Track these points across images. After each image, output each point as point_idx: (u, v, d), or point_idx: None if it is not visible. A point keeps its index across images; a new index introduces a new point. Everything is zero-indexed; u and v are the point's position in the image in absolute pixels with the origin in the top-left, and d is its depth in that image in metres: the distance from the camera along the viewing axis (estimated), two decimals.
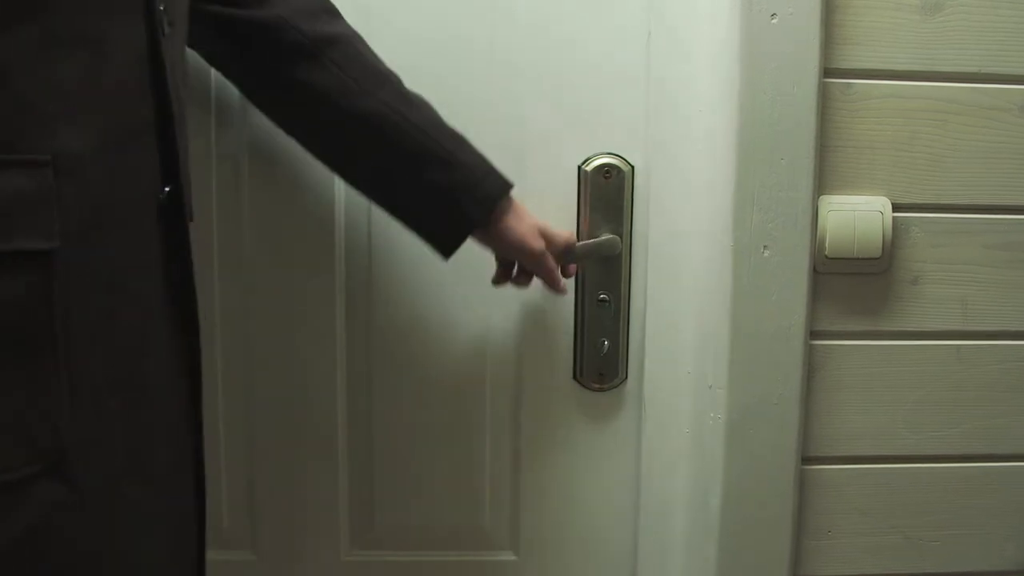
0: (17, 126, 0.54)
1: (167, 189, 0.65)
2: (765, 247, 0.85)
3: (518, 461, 0.95)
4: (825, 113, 0.84)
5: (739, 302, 0.86)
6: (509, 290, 0.88)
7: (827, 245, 0.86)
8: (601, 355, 0.92)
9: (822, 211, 0.85)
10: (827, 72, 0.84)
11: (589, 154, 0.90)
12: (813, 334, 0.88)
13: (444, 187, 0.80)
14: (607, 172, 0.90)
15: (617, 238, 0.89)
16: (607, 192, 0.90)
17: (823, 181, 0.85)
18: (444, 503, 0.96)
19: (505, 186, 0.80)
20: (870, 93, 0.85)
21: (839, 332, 0.88)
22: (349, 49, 0.82)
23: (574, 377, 0.93)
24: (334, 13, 0.83)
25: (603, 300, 0.91)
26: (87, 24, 0.57)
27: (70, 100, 0.56)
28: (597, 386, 0.94)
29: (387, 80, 0.84)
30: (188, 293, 0.68)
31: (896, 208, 0.86)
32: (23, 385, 0.54)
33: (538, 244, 0.82)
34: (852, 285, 0.87)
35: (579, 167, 0.90)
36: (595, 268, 0.91)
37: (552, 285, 0.84)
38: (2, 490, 0.52)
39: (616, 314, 0.92)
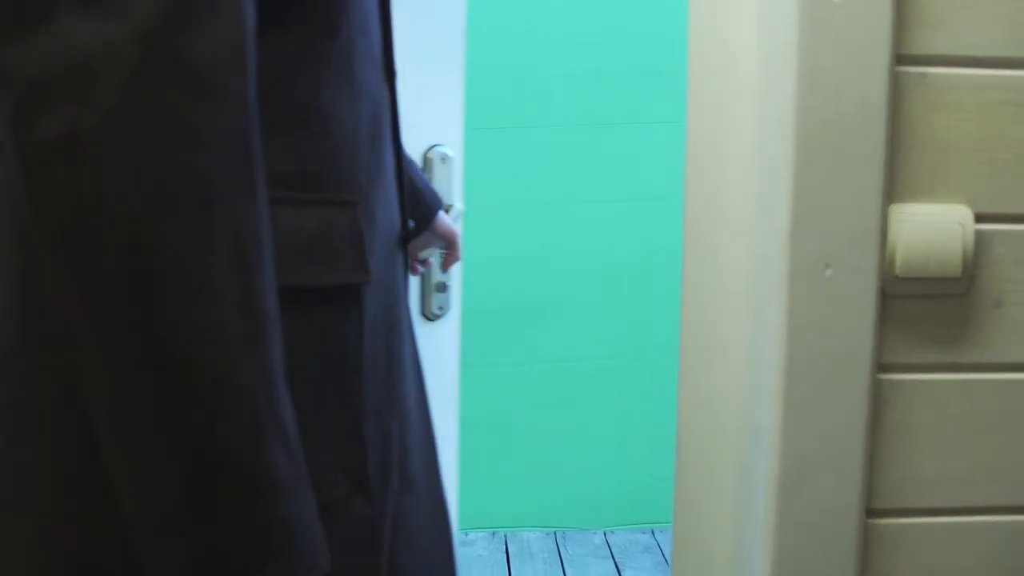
0: (336, 169, 0.64)
1: (410, 223, 0.81)
2: (827, 266, 0.73)
3: None
4: (896, 108, 0.72)
5: (796, 331, 0.73)
6: None
7: (898, 263, 0.73)
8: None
9: (892, 223, 0.73)
10: (899, 59, 0.71)
11: None
12: (880, 367, 0.75)
13: (417, 188, 0.96)
14: None
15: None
16: None
17: (893, 188, 0.73)
18: None
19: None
20: (949, 84, 0.72)
21: (910, 364, 0.76)
22: None
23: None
24: None
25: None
26: (365, 75, 0.67)
27: (363, 143, 0.66)
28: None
29: None
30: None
31: (978, 219, 0.74)
32: (338, 414, 0.63)
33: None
34: (926, 309, 0.75)
35: None
36: None
37: (456, 258, 1.26)
38: (323, 509, 0.56)
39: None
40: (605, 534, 2.82)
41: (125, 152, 0.48)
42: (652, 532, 2.83)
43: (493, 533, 2.84)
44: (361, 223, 0.65)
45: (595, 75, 2.90)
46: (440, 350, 1.34)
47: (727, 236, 0.77)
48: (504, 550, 2.74)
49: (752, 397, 0.77)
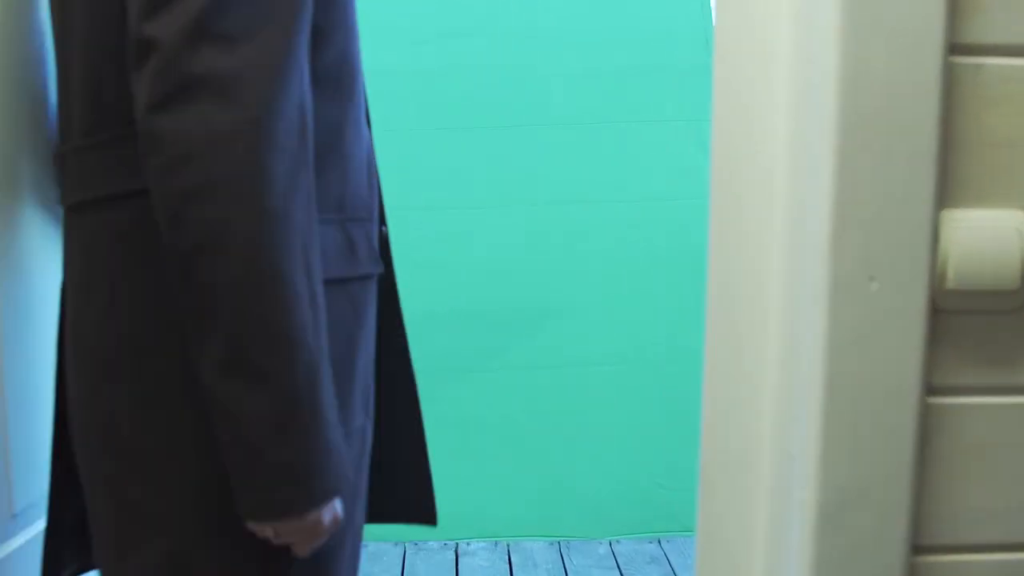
0: (354, 196, 0.92)
1: (384, 227, 1.03)
2: (872, 278, 0.65)
3: None
4: (949, 103, 0.65)
5: (836, 350, 0.66)
6: None
7: (949, 275, 0.66)
8: None
9: (944, 231, 0.66)
10: (952, 49, 0.64)
11: None
12: (930, 389, 0.68)
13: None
14: None
15: None
16: None
17: (945, 192, 0.66)
18: None
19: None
20: (1008, 76, 0.65)
21: (963, 386, 0.68)
22: None
23: None
24: None
25: None
26: (363, 125, 0.97)
27: (365, 175, 0.95)
28: None
29: None
30: (395, 303, 1.15)
31: None
32: (363, 361, 0.96)
33: None
34: (981, 325, 0.68)
35: None
36: None
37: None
38: (352, 432, 0.92)
39: None
40: (610, 543, 2.75)
41: (243, 199, 0.74)
42: (659, 541, 2.76)
43: (495, 543, 2.77)
44: (371, 232, 0.96)
45: (597, 74, 2.84)
46: None
47: (759, 246, 0.70)
48: (507, 560, 2.68)
49: (787, 422, 0.70)
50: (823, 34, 0.64)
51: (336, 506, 0.83)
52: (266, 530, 0.81)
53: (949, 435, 0.69)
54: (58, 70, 0.92)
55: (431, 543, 2.75)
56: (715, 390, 0.74)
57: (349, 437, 0.89)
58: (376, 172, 0.99)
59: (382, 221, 1.02)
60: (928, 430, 0.69)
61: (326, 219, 0.85)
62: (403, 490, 1.10)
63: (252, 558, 0.84)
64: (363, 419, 0.95)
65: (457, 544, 2.76)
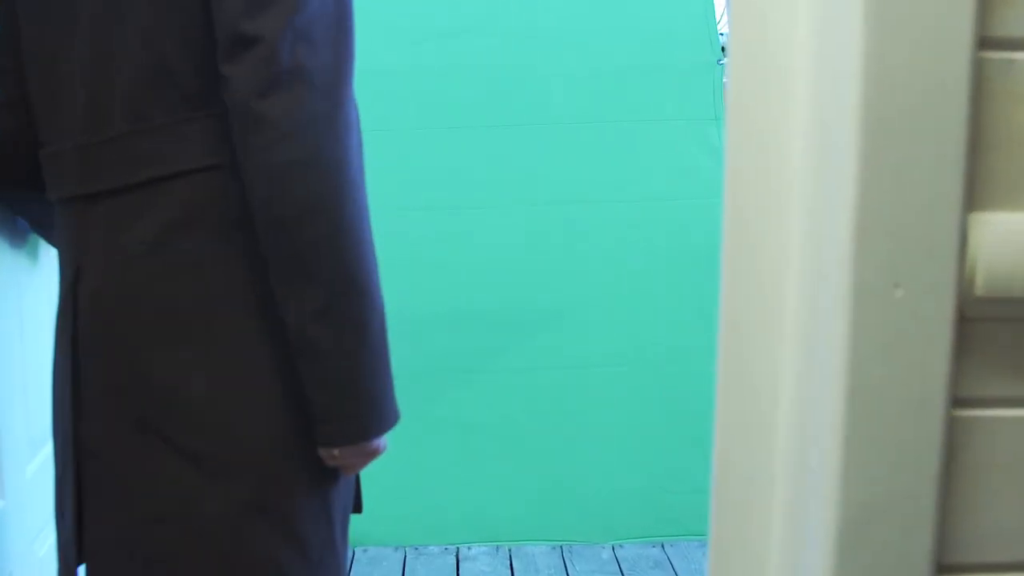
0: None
1: None
2: (896, 285, 0.62)
3: None
4: (978, 100, 0.61)
5: (859, 360, 0.63)
6: None
7: (978, 281, 0.62)
8: None
9: (973, 235, 0.62)
10: (982, 43, 0.61)
11: None
12: (956, 401, 0.65)
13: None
14: None
15: None
16: None
17: (974, 194, 0.62)
18: None
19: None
20: None
21: (991, 398, 0.65)
22: None
23: None
24: None
25: None
26: None
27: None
28: None
29: None
30: None
31: None
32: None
33: None
34: (1011, 335, 0.64)
35: None
36: None
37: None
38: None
39: None
40: (613, 548, 2.72)
41: (333, 170, 0.91)
42: (662, 546, 2.72)
43: (497, 547, 2.74)
44: None
45: (598, 73, 2.80)
46: None
47: (776, 250, 0.67)
48: (508, 565, 2.65)
49: (806, 435, 0.67)
50: (845, 28, 0.61)
51: (385, 436, 1.01)
52: (333, 454, 0.97)
53: (976, 449, 0.66)
54: (43, 72, 0.94)
55: (431, 547, 2.72)
56: (729, 400, 0.71)
57: None
58: None
59: None
60: (954, 444, 0.65)
61: None
62: None
63: (313, 492, 1.01)
64: None
65: (458, 548, 2.73)
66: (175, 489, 0.96)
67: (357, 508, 1.16)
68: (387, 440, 1.02)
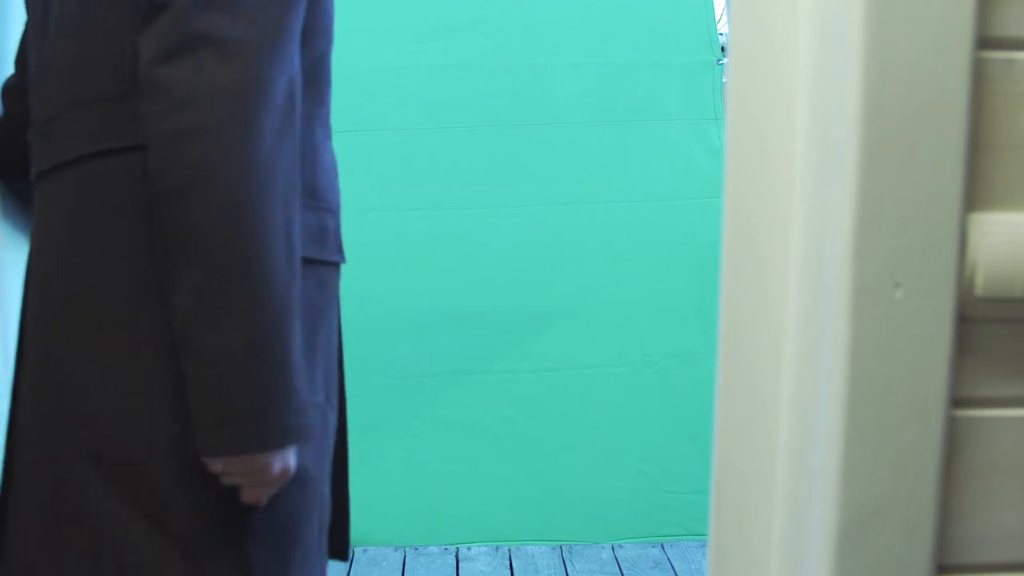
0: (325, 187, 0.98)
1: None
2: (897, 285, 0.62)
3: None
4: (978, 100, 0.61)
5: (858, 360, 0.63)
6: None
7: (979, 282, 0.62)
8: None
9: (973, 235, 0.62)
10: (982, 43, 0.61)
11: None
12: (956, 401, 0.65)
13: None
14: None
15: None
16: None
17: (974, 193, 0.62)
18: None
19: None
20: None
21: (992, 398, 0.65)
22: None
23: None
24: None
25: None
26: (329, 128, 1.01)
27: (333, 172, 1.01)
28: None
29: None
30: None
31: None
32: (325, 342, 0.98)
33: None
34: (1011, 335, 0.64)
35: None
36: None
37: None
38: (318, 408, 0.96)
39: None
40: (613, 548, 2.72)
41: (232, 143, 0.79)
42: (662, 546, 2.72)
43: (496, 547, 2.73)
44: (338, 225, 1.01)
45: (599, 73, 2.80)
46: None
47: (776, 251, 0.67)
48: (508, 565, 2.64)
49: (805, 436, 0.67)
50: (845, 28, 0.61)
51: (289, 457, 0.86)
52: (216, 465, 0.84)
53: (976, 449, 0.66)
54: (38, 45, 0.94)
55: (431, 548, 2.72)
56: (729, 401, 0.71)
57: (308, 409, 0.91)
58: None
59: None
60: (955, 444, 0.65)
61: (304, 203, 0.90)
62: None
63: (216, 510, 0.87)
64: (324, 398, 0.97)
65: (458, 549, 2.73)
66: (77, 491, 0.88)
67: (341, 555, 1.07)
68: (294, 461, 0.86)
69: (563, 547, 2.73)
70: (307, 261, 0.91)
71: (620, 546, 2.73)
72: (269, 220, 0.81)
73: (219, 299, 0.80)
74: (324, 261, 0.97)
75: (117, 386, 0.86)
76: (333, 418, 1.00)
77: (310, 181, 0.93)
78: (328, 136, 1.00)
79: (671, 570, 2.60)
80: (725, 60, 2.72)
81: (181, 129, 0.79)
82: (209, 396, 0.81)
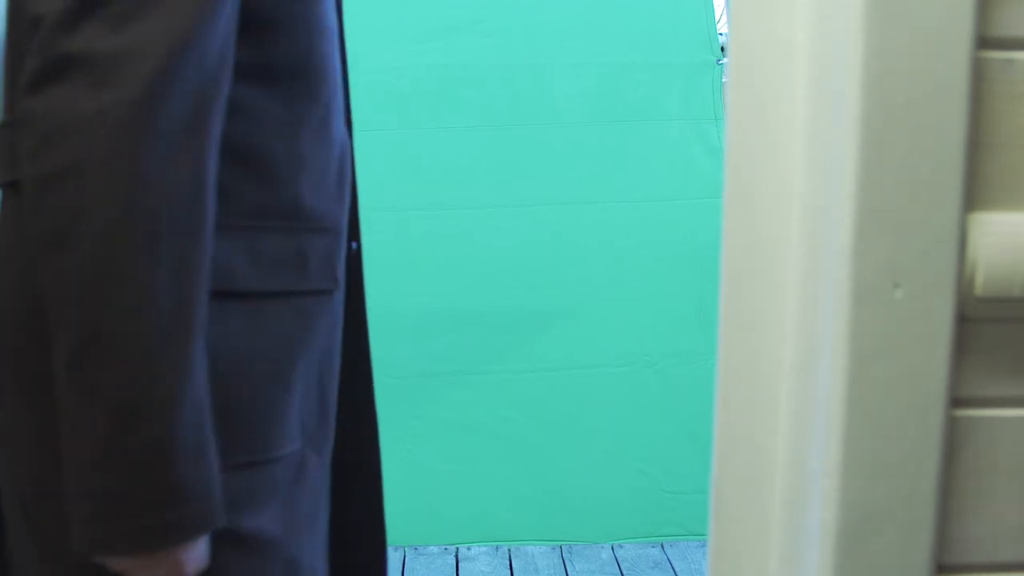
0: (313, 204, 0.83)
1: (355, 243, 0.97)
2: (896, 285, 0.62)
3: None
4: (978, 99, 0.61)
5: (858, 360, 0.63)
6: None
7: (978, 281, 0.62)
8: None
9: (972, 235, 0.62)
10: (981, 42, 0.61)
11: None
12: (956, 401, 0.65)
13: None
14: None
15: None
16: None
17: (974, 194, 0.62)
18: None
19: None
20: None
21: (992, 398, 0.65)
22: None
23: None
24: None
25: None
26: (336, 127, 0.87)
27: (333, 182, 0.87)
28: None
29: None
30: (361, 327, 0.99)
31: None
32: (305, 382, 0.84)
33: None
34: (1011, 335, 0.64)
35: None
36: None
37: None
38: (279, 460, 0.81)
39: None
40: (613, 548, 2.72)
41: (103, 187, 0.66)
42: (662, 546, 2.72)
43: (496, 547, 2.73)
44: (333, 245, 0.87)
45: (599, 73, 2.80)
46: None
47: (776, 251, 0.67)
48: (508, 565, 2.64)
49: (805, 436, 0.67)
50: (844, 27, 0.61)
51: (193, 553, 0.71)
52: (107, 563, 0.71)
53: (976, 449, 0.66)
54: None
55: (431, 548, 2.72)
56: (729, 402, 0.71)
57: (268, 465, 0.79)
58: (350, 183, 0.92)
59: (353, 236, 0.95)
60: (954, 444, 0.65)
61: (267, 226, 0.79)
62: (348, 552, 0.94)
63: None
64: (300, 446, 0.84)
65: (457, 549, 2.73)
66: (15, 540, 0.81)
67: None
68: (193, 561, 0.72)
69: (563, 547, 2.73)
70: (278, 295, 0.80)
71: (620, 546, 2.73)
72: (152, 274, 0.67)
73: (86, 371, 0.67)
74: (304, 291, 0.83)
75: (27, 434, 0.77)
76: (321, 460, 0.87)
77: (288, 200, 0.81)
78: (325, 141, 0.86)
79: (671, 570, 2.60)
80: (725, 60, 2.72)
81: (46, 171, 0.67)
82: (75, 486, 0.69)
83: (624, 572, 2.59)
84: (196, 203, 0.69)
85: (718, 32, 2.81)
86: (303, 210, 0.82)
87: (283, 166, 0.80)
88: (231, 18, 0.71)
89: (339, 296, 0.89)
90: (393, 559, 2.67)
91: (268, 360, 0.79)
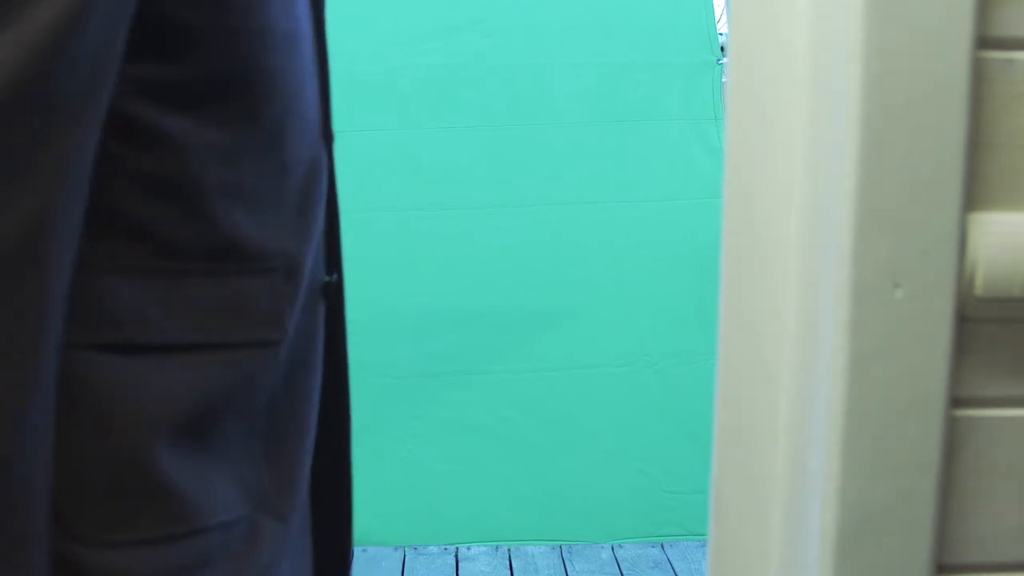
0: (257, 239, 0.70)
1: (335, 276, 0.82)
2: (896, 285, 0.62)
3: None
4: (978, 99, 0.61)
5: (858, 360, 0.63)
6: None
7: (978, 281, 0.62)
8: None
9: (972, 235, 0.62)
10: (981, 42, 0.61)
11: None
12: (956, 401, 0.65)
13: None
14: None
15: None
16: None
17: (974, 193, 0.62)
18: None
19: None
20: None
21: (992, 398, 0.65)
22: None
23: None
24: None
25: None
26: (297, 146, 0.73)
27: (289, 211, 0.73)
28: None
29: None
30: (342, 374, 0.86)
31: None
32: (251, 447, 0.74)
33: None
34: (1012, 335, 0.64)
35: None
36: None
37: None
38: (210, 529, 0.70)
39: None
40: (613, 548, 2.72)
41: None
42: (662, 546, 2.73)
43: (496, 547, 2.74)
44: (280, 286, 0.72)
45: (599, 73, 2.81)
46: None
47: (776, 250, 0.67)
48: (508, 565, 2.65)
49: (804, 436, 0.67)
50: (844, 27, 0.61)
51: None
52: None
53: (976, 449, 0.66)
54: None
55: (431, 548, 2.72)
56: (729, 401, 0.71)
57: (192, 538, 0.71)
58: (324, 207, 0.80)
59: (333, 267, 0.83)
60: (954, 444, 0.65)
61: (190, 268, 0.68)
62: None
63: None
64: (248, 511, 0.75)
65: (457, 548, 2.73)
66: None
67: None
68: None
69: (563, 547, 2.73)
70: (204, 347, 0.70)
71: (620, 546, 2.73)
72: None
73: None
74: (238, 343, 0.72)
75: None
76: (285, 526, 0.79)
77: (222, 235, 0.70)
78: (276, 163, 0.73)
79: (671, 570, 2.60)
80: (725, 60, 2.72)
81: None
82: None
83: (624, 572, 2.60)
84: (25, 330, 0.57)
85: (718, 32, 2.81)
86: (240, 248, 0.70)
87: (213, 199, 0.68)
88: (102, 32, 0.58)
89: (307, 343, 0.77)
90: (393, 559, 2.67)
91: (182, 421, 0.68)
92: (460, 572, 2.61)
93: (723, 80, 2.76)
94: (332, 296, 0.82)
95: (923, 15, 0.60)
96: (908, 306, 0.62)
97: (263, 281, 0.71)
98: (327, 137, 0.79)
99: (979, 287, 0.62)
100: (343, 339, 0.86)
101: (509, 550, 2.72)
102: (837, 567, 0.66)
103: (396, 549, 2.71)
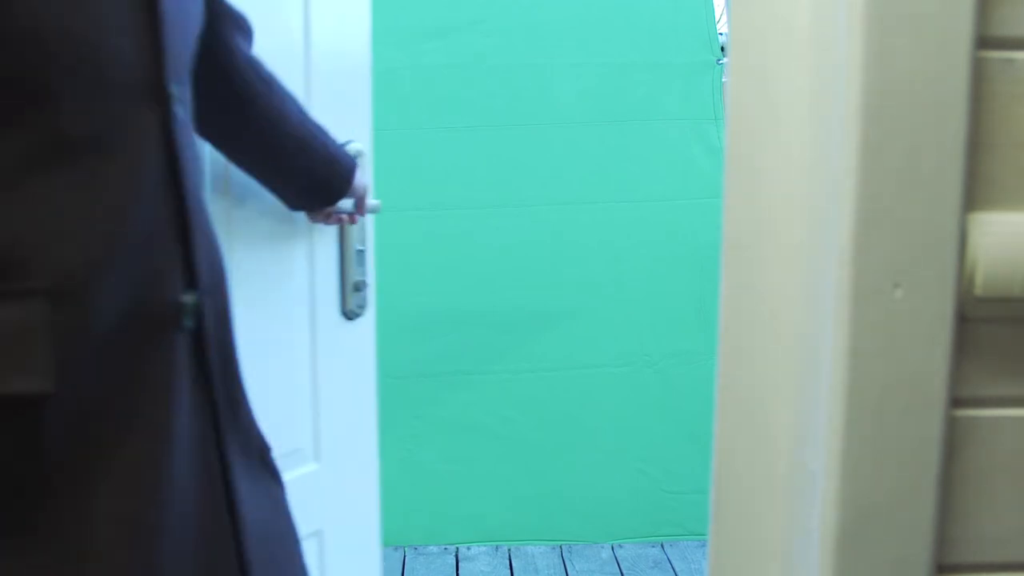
0: (37, 255, 0.55)
1: (199, 296, 0.67)
2: (897, 285, 0.62)
3: None
4: (978, 99, 0.61)
5: (858, 360, 0.63)
6: None
7: (978, 281, 0.62)
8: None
9: (972, 235, 0.62)
10: (981, 42, 0.61)
11: None
12: (956, 401, 0.65)
13: (332, 155, 1.07)
14: None
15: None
16: None
17: (974, 194, 0.62)
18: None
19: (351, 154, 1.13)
20: None
21: (991, 398, 0.65)
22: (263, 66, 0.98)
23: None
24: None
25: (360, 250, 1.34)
26: (89, 124, 0.60)
27: (69, 214, 0.59)
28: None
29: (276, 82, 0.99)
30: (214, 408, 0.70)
31: None
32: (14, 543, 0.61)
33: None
34: (1011, 335, 0.64)
35: None
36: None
37: (363, 212, 1.22)
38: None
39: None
40: (613, 548, 2.72)
41: None
42: (662, 546, 2.72)
43: (496, 547, 2.73)
44: (46, 317, 0.56)
45: (600, 73, 2.80)
46: (358, 349, 1.39)
47: (776, 251, 0.67)
48: (508, 565, 2.64)
49: (805, 437, 0.67)
50: (845, 27, 0.61)
51: None
52: None
53: (976, 449, 0.66)
54: None
55: (431, 547, 2.72)
56: (729, 402, 0.71)
57: None
58: (146, 193, 0.65)
59: (192, 283, 0.69)
60: (954, 444, 0.65)
61: None
62: None
63: None
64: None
65: (457, 548, 2.72)
66: None
67: None
68: None
69: (563, 547, 2.73)
70: None
71: (620, 546, 2.73)
72: None
73: None
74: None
75: None
76: None
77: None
78: (80, 173, 0.61)
79: (671, 570, 2.60)
80: (725, 60, 2.72)
81: None
82: None
83: (624, 572, 2.59)
84: None
85: (718, 32, 2.81)
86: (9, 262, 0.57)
87: None
88: None
89: (128, 396, 0.64)
90: (393, 559, 2.67)
91: None
92: (460, 572, 2.61)
93: (723, 80, 2.76)
94: (201, 324, 0.68)
95: (923, 15, 0.60)
96: (908, 306, 0.62)
97: (17, 308, 0.54)
98: (159, 97, 0.65)
99: (979, 287, 0.62)
100: (234, 383, 0.71)
101: (509, 550, 2.72)
102: (837, 567, 0.65)
103: (396, 549, 2.71)
